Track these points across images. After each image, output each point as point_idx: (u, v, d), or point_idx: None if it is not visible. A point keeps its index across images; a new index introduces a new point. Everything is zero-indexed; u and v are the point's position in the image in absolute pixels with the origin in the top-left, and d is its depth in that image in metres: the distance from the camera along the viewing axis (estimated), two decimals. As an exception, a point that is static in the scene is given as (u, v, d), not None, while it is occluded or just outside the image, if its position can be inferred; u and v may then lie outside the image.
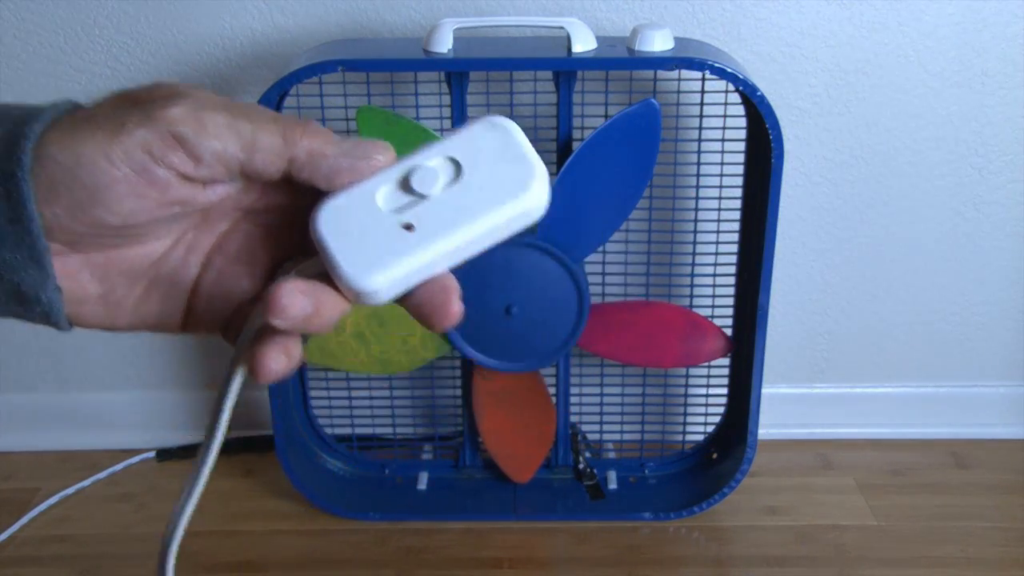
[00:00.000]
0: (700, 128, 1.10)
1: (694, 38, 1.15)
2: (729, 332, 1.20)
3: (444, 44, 1.03)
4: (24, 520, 1.21)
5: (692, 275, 1.17)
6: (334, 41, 1.14)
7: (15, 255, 0.36)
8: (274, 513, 1.22)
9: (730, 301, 1.19)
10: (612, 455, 1.27)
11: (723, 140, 1.10)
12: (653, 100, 1.03)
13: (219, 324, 0.41)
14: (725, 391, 1.24)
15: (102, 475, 1.29)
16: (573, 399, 1.24)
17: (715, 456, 1.25)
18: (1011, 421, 1.35)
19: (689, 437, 1.27)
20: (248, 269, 0.41)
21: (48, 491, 1.25)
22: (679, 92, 1.10)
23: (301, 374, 1.22)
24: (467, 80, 1.09)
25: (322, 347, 1.11)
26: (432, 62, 1.03)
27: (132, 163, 0.36)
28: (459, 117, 1.10)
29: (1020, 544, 1.16)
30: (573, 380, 1.22)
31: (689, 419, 1.26)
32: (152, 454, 1.33)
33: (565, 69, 1.07)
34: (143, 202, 0.37)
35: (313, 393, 1.24)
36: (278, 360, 0.38)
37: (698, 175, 1.13)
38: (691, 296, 1.18)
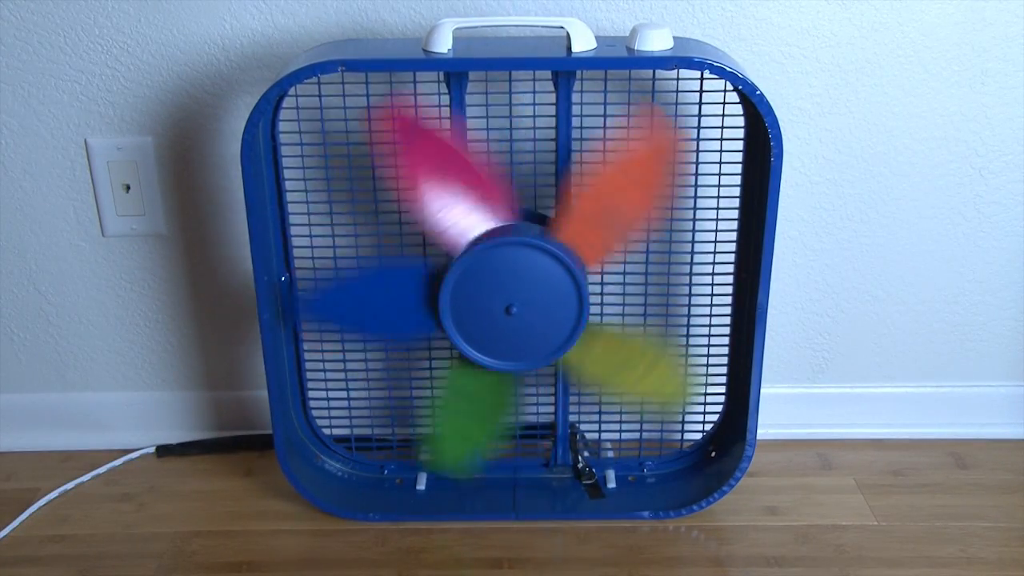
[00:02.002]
0: (699, 128, 1.11)
1: (694, 37, 1.15)
2: (728, 331, 1.21)
3: (444, 44, 1.03)
4: (24, 519, 1.21)
5: (691, 274, 1.17)
6: (334, 41, 1.14)
7: None
8: (274, 513, 1.22)
9: (729, 300, 1.19)
10: (611, 454, 1.27)
11: (722, 139, 1.11)
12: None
13: None
14: (723, 390, 1.24)
15: (102, 470, 1.29)
16: (572, 398, 1.24)
17: (714, 455, 1.25)
18: (1011, 421, 1.35)
19: (688, 436, 1.27)
20: None
21: (48, 491, 1.26)
22: (678, 92, 1.10)
23: (300, 375, 1.23)
24: (466, 80, 1.09)
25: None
26: (432, 62, 1.04)
27: None
28: (458, 117, 1.10)
29: (1020, 544, 1.16)
30: (572, 379, 1.22)
31: (687, 418, 1.26)
32: (151, 450, 1.33)
33: (564, 69, 1.07)
34: None
35: (311, 394, 1.24)
36: None
37: (696, 174, 1.13)
38: (689, 295, 1.18)
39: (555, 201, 1.13)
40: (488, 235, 1.05)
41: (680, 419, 1.26)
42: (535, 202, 1.15)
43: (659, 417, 1.24)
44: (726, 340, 1.21)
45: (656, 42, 1.03)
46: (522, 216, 1.09)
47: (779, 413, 1.33)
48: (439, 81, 1.10)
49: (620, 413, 1.25)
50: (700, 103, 1.10)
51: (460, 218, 1.04)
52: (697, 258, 1.17)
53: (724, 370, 1.23)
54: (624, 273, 1.17)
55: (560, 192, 1.12)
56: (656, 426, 1.26)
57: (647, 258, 1.16)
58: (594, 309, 1.17)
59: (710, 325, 1.20)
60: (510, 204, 1.06)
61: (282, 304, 1.17)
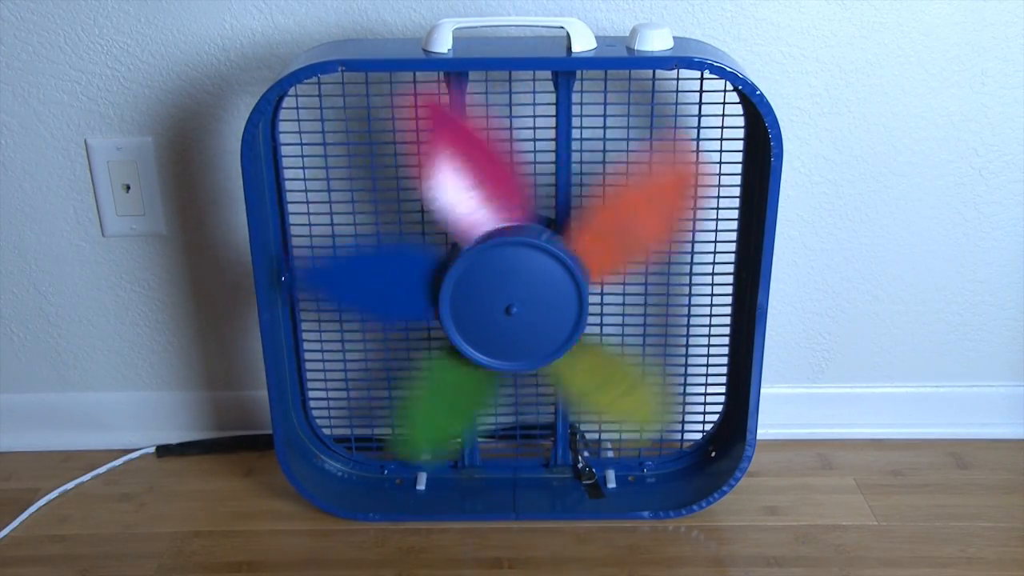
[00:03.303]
0: (699, 127, 1.11)
1: (694, 37, 1.15)
2: (728, 331, 1.21)
3: (444, 44, 1.03)
4: (24, 519, 1.21)
5: (691, 274, 1.17)
6: (334, 41, 1.14)
7: None
8: (274, 513, 1.22)
9: (729, 300, 1.19)
10: (611, 454, 1.27)
11: (722, 139, 1.10)
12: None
13: None
14: (723, 390, 1.24)
15: (101, 470, 1.29)
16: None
17: (714, 455, 1.25)
18: (1011, 421, 1.35)
19: (688, 436, 1.27)
20: None
21: (48, 491, 1.26)
22: (678, 91, 1.10)
23: (300, 375, 1.23)
24: (466, 80, 1.09)
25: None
26: (432, 62, 1.04)
27: None
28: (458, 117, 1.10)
29: (1020, 544, 1.16)
30: (573, 380, 1.23)
31: (687, 418, 1.26)
32: (151, 450, 1.33)
33: (564, 69, 1.07)
34: None
35: (312, 394, 1.24)
36: None
37: (696, 174, 1.13)
38: (689, 295, 1.18)
39: (555, 201, 1.13)
40: (497, 232, 1.05)
41: (680, 419, 1.26)
42: (534, 201, 1.15)
43: (637, 436, 1.24)
44: (726, 340, 1.21)
45: (656, 42, 1.03)
46: (535, 219, 1.09)
47: (779, 413, 1.33)
48: (439, 81, 1.10)
49: (620, 413, 1.25)
50: (700, 103, 1.10)
51: (476, 209, 1.04)
52: (697, 258, 1.17)
53: (724, 370, 1.23)
54: (624, 274, 1.17)
55: (560, 193, 1.12)
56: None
57: (647, 258, 1.16)
58: (593, 310, 1.17)
59: (710, 325, 1.20)
60: (526, 204, 1.06)
61: (281, 285, 1.17)
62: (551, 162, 1.12)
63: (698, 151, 1.12)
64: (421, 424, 1.15)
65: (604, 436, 1.27)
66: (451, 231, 1.06)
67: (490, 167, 1.04)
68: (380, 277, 1.09)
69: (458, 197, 1.04)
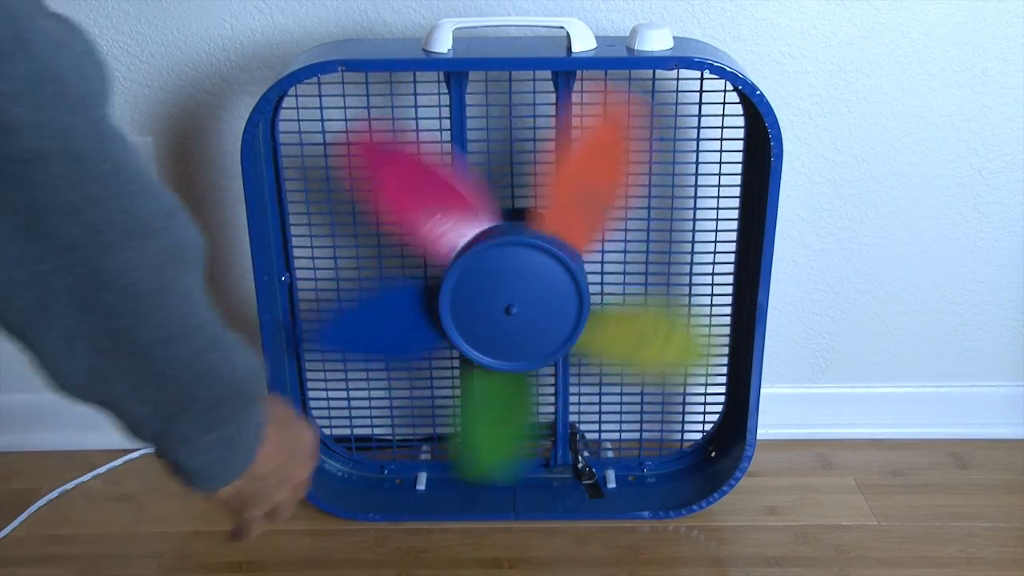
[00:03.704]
0: (699, 127, 1.11)
1: (694, 38, 1.15)
2: (728, 331, 1.21)
3: (444, 44, 1.03)
4: (24, 519, 1.21)
5: (691, 274, 1.17)
6: (334, 41, 1.14)
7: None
8: (274, 513, 1.22)
9: (729, 300, 1.19)
10: (611, 454, 1.27)
11: (722, 139, 1.10)
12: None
13: None
14: (723, 390, 1.24)
15: (102, 470, 1.29)
16: (572, 399, 1.24)
17: (714, 455, 1.25)
18: (1011, 421, 1.35)
19: (688, 436, 1.27)
20: None
21: (48, 491, 1.25)
22: (678, 91, 1.10)
23: (300, 375, 1.23)
24: (466, 80, 1.09)
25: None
26: (431, 62, 1.04)
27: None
28: (458, 117, 1.10)
29: (1020, 544, 1.16)
30: (571, 380, 1.22)
31: (687, 418, 1.26)
32: (152, 450, 1.33)
33: (564, 69, 1.07)
34: None
35: (312, 394, 1.24)
36: None
37: (696, 174, 1.13)
38: (689, 295, 1.18)
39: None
40: (477, 239, 1.05)
41: (680, 419, 1.26)
42: (536, 202, 1.15)
43: (679, 381, 1.24)
44: (726, 340, 1.21)
45: (656, 42, 1.03)
46: (502, 215, 1.09)
47: (779, 413, 1.33)
48: (439, 81, 1.10)
49: (620, 413, 1.25)
50: (700, 103, 1.10)
51: (443, 231, 1.05)
52: (697, 258, 1.17)
53: (724, 370, 1.23)
54: (624, 274, 1.17)
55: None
56: (656, 426, 1.26)
57: (647, 258, 1.16)
58: (594, 310, 1.17)
59: (710, 325, 1.20)
60: (489, 206, 1.06)
61: (285, 334, 1.18)
62: (551, 162, 1.12)
63: (698, 147, 1.12)
64: (483, 443, 1.15)
65: (604, 436, 1.27)
66: (429, 258, 1.08)
67: (437, 185, 1.04)
68: (381, 321, 1.11)
69: (421, 226, 1.04)
